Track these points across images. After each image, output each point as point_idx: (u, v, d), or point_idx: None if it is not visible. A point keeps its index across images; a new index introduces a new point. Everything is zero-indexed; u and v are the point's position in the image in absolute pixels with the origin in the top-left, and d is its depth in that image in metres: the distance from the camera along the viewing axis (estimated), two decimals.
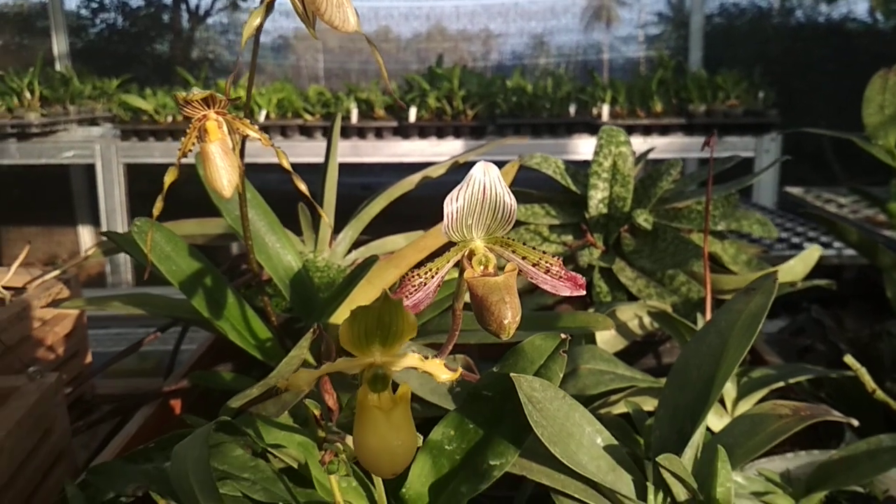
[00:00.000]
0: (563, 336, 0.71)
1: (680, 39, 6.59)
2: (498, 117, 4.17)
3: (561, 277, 0.62)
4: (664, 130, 4.17)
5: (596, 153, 1.34)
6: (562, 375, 0.70)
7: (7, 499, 0.96)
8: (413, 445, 0.50)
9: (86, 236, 5.63)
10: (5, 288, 1.48)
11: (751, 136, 4.30)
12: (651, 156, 1.64)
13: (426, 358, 0.57)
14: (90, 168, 4.61)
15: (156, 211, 0.91)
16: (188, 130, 0.86)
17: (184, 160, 0.87)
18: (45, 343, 1.43)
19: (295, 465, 0.76)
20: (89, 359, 1.57)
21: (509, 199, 0.58)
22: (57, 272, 1.52)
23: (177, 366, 1.44)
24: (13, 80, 4.25)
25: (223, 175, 0.84)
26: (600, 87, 4.31)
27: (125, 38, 6.93)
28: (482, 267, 0.61)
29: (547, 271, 0.62)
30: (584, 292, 0.62)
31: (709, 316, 1.16)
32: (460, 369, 0.54)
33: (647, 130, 4.15)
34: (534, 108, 4.20)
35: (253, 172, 1.10)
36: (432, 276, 0.60)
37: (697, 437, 0.73)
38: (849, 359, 0.98)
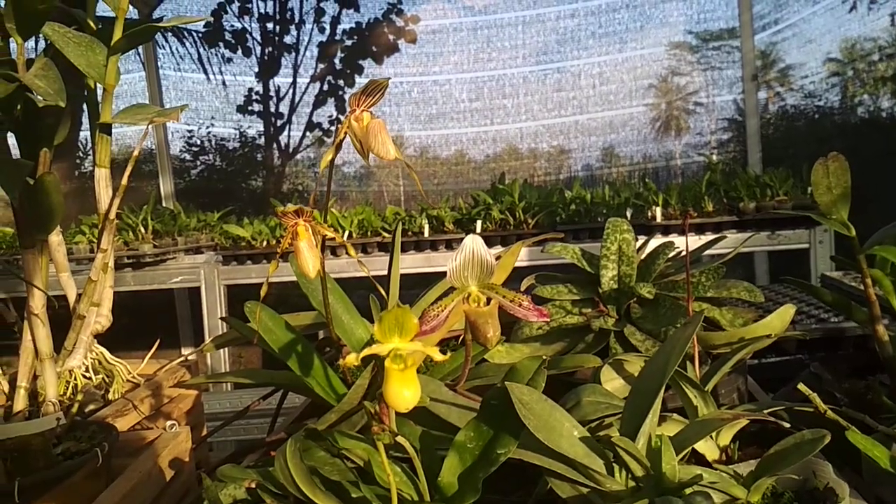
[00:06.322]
0: (543, 357, 1.00)
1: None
2: (558, 224, 4.50)
3: (529, 309, 0.92)
4: (717, 228, 4.40)
5: (604, 240, 1.65)
6: (544, 385, 0.99)
7: None
8: (417, 394, 0.80)
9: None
10: (140, 374, 1.87)
11: (803, 229, 4.49)
12: (707, 252, 1.86)
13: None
14: (193, 292, 5.16)
15: (263, 292, 1.26)
16: (284, 234, 1.21)
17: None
18: (172, 416, 1.78)
19: (361, 463, 1.06)
20: (205, 431, 1.92)
21: (489, 258, 0.90)
22: (181, 359, 1.90)
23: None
24: (129, 217, 4.87)
25: (309, 262, 1.19)
26: (652, 191, 4.61)
27: (223, 175, 7.72)
28: (476, 304, 0.92)
29: (520, 305, 0.92)
30: (547, 319, 0.93)
31: (697, 365, 1.42)
32: (450, 353, 0.84)
33: (700, 229, 4.39)
34: (591, 214, 4.53)
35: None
36: (443, 310, 0.92)
37: (647, 427, 0.99)
38: (801, 386, 1.22)
